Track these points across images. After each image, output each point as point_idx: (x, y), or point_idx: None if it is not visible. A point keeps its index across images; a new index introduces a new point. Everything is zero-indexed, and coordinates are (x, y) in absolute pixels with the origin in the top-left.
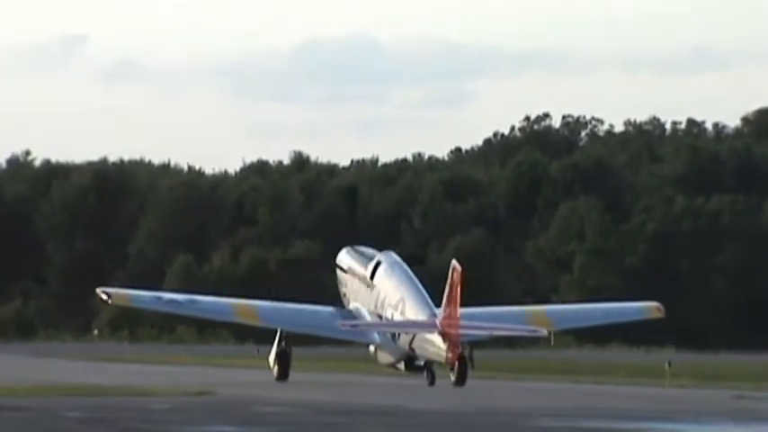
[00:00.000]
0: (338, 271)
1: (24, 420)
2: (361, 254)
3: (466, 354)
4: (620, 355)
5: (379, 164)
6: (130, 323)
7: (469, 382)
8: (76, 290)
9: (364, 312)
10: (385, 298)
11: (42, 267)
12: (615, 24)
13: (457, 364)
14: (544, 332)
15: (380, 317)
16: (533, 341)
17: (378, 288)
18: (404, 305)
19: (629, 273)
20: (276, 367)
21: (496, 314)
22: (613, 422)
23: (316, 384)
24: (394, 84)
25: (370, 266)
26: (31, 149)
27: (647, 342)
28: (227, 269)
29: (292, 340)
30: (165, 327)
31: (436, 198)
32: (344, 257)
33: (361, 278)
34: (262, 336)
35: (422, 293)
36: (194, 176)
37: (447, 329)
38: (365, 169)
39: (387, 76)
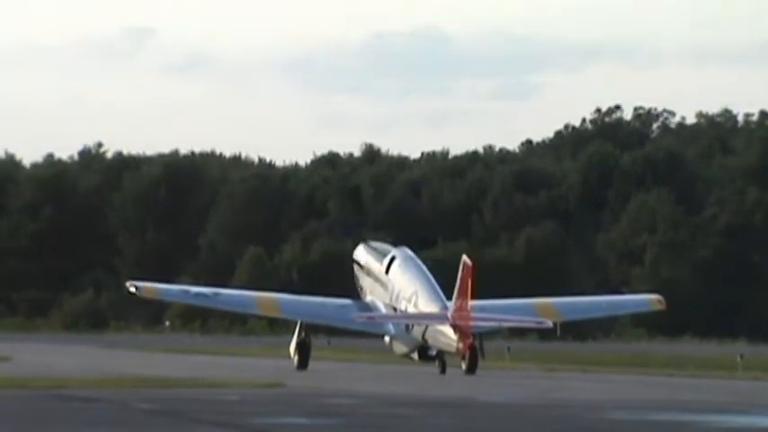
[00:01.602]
0: (355, 266)
1: (95, 411)
2: (377, 249)
3: (476, 344)
4: (691, 347)
5: (450, 156)
6: (202, 314)
7: (539, 375)
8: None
9: (380, 305)
10: (399, 291)
11: (114, 259)
12: (686, 16)
13: (468, 353)
14: (549, 323)
15: (395, 309)
16: (605, 332)
17: (392, 282)
18: (417, 298)
19: (700, 265)
20: (296, 357)
21: (506, 306)
22: (685, 415)
23: (387, 376)
24: (464, 76)
25: (385, 261)
26: (103, 142)
27: (718, 335)
28: (297, 261)
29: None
30: (236, 318)
31: (507, 190)
32: (361, 253)
33: (377, 273)
34: (332, 328)
35: (434, 287)
36: (265, 168)
37: (457, 321)
38: (435, 162)
39: (457, 68)
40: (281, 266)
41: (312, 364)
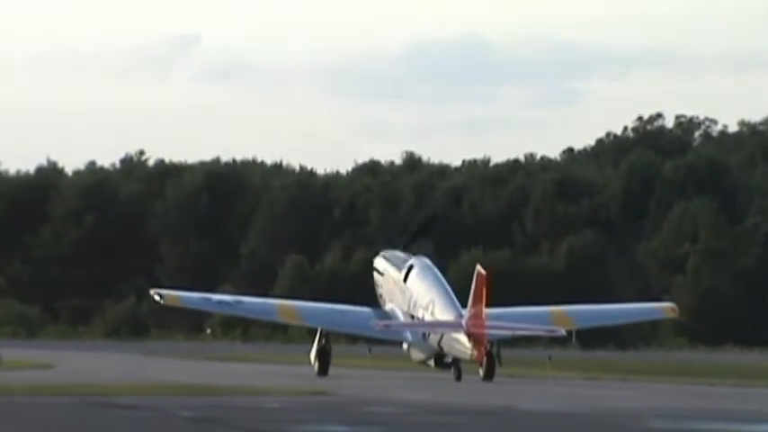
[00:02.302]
0: (375, 274)
1: (137, 419)
2: (396, 258)
3: (494, 351)
4: (732, 356)
5: (491, 164)
6: (243, 322)
7: (580, 383)
8: (189, 289)
9: (398, 313)
10: (417, 300)
11: (156, 267)
12: (729, 23)
13: (485, 360)
14: (562, 332)
15: (413, 317)
16: (646, 341)
17: (410, 290)
18: (433, 306)
19: (742, 274)
20: (317, 363)
21: (521, 314)
22: (727, 424)
23: (426, 384)
24: (505, 84)
25: (404, 270)
26: (145, 149)
27: (760, 344)
28: (338, 269)
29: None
30: (277, 327)
31: (548, 198)
32: (381, 262)
33: (396, 281)
34: (372, 337)
35: (450, 296)
36: (306, 176)
37: (472, 329)
38: (476, 170)
39: (498, 76)
40: (323, 274)
41: (353, 372)
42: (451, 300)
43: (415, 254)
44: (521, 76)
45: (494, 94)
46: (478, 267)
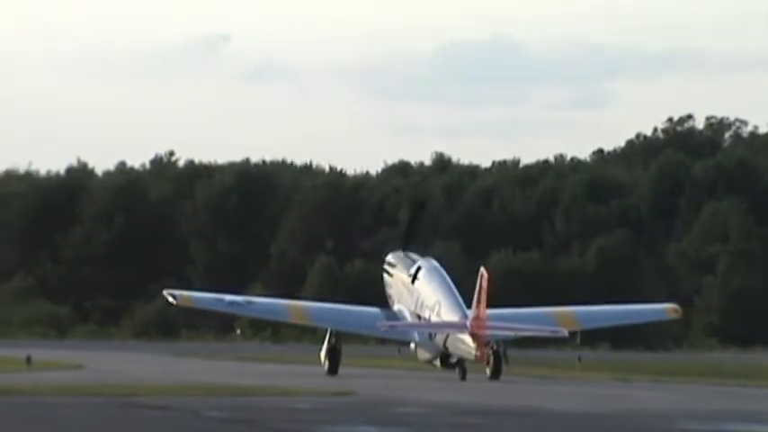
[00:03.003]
0: (385, 275)
1: (167, 419)
2: (405, 259)
3: (501, 351)
4: (763, 357)
5: (521, 165)
6: (273, 323)
7: (610, 385)
8: (220, 290)
9: (406, 313)
10: (423, 300)
11: (185, 267)
12: (760, 25)
13: (492, 360)
14: (565, 332)
15: (419, 317)
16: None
17: (417, 291)
18: (439, 307)
19: None
20: (327, 362)
21: (526, 315)
22: (757, 425)
23: (452, 385)
24: (535, 85)
25: (412, 271)
26: (175, 150)
27: None
28: (368, 270)
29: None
30: (307, 327)
31: (578, 199)
32: (390, 263)
33: (404, 282)
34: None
35: (456, 297)
36: (336, 177)
37: (476, 330)
38: (507, 171)
39: (528, 77)
40: (352, 275)
41: (381, 372)
42: (457, 301)
43: (423, 255)
44: (551, 77)
45: (524, 95)
46: (482, 269)
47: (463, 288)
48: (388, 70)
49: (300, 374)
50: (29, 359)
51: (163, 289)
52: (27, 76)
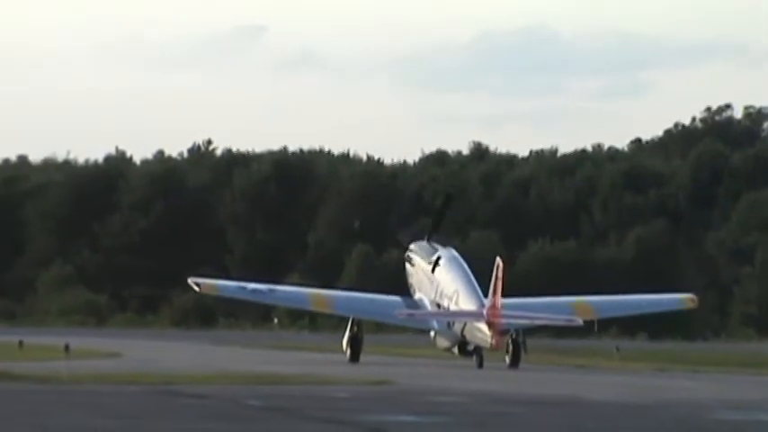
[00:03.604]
0: (407, 264)
1: (205, 408)
2: (425, 249)
3: (519, 340)
4: None
5: (559, 155)
6: (311, 312)
7: (648, 374)
8: (257, 279)
9: (426, 302)
10: (443, 289)
11: (223, 256)
12: None
13: (511, 348)
14: (580, 321)
15: (439, 306)
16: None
17: (437, 280)
18: (458, 296)
19: None
20: (349, 350)
21: (543, 304)
22: None
23: (489, 374)
24: (572, 74)
25: (432, 261)
26: (213, 139)
27: None
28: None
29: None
30: (344, 316)
31: (616, 189)
32: (411, 252)
33: (424, 271)
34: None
35: (474, 286)
36: (374, 166)
37: (491, 318)
38: (544, 160)
39: (565, 66)
40: (390, 264)
41: (417, 361)
42: (475, 290)
43: (443, 245)
44: (589, 66)
45: (562, 85)
46: (498, 259)
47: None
48: (425, 59)
49: (338, 363)
50: (67, 347)
51: (201, 277)
52: (65, 65)
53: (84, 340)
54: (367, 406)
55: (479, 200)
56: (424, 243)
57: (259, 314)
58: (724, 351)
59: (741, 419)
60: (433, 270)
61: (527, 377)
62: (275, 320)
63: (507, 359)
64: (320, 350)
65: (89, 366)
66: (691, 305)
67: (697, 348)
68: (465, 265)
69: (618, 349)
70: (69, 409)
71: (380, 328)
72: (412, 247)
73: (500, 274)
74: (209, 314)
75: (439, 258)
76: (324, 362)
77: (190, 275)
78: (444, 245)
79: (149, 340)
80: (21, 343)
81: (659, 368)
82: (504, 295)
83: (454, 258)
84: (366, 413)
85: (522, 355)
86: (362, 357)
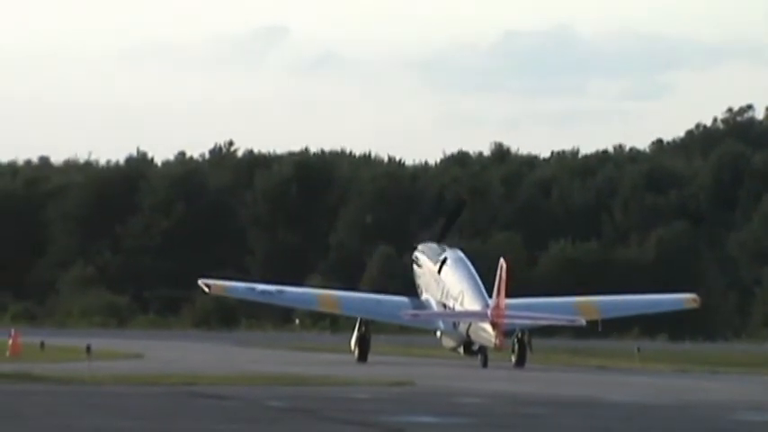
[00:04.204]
0: (414, 265)
1: (226, 409)
2: (434, 249)
3: (525, 340)
4: None
5: (580, 156)
6: (332, 313)
7: (669, 375)
8: (278, 280)
9: (432, 302)
10: (449, 290)
11: (244, 257)
12: None
13: (517, 348)
14: (582, 321)
15: (445, 306)
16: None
17: (443, 281)
18: (463, 297)
19: None
20: (357, 350)
21: (546, 304)
22: None
23: (510, 375)
24: (594, 76)
25: (438, 262)
26: (234, 140)
27: None
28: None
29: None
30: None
31: (637, 190)
32: (419, 254)
33: (431, 272)
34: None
35: (479, 287)
36: (395, 167)
37: (495, 319)
38: (565, 161)
39: (586, 68)
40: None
41: (438, 361)
42: (480, 291)
43: (450, 246)
44: (610, 67)
45: (583, 86)
46: (501, 260)
47: (520, 277)
48: (447, 61)
49: (359, 364)
50: (89, 349)
51: (222, 279)
52: (88, 67)
53: (105, 341)
54: (387, 407)
55: (501, 201)
56: (431, 244)
57: (280, 315)
58: (744, 352)
59: (761, 420)
60: (439, 271)
61: (547, 378)
62: (296, 321)
63: (513, 359)
64: (341, 351)
65: (111, 367)
66: (693, 305)
67: (717, 349)
68: (471, 266)
69: (639, 350)
70: (91, 410)
71: (383, 328)
72: (420, 248)
73: (503, 275)
74: (230, 315)
75: (445, 259)
76: (344, 363)
77: (211, 277)
78: (450, 246)
79: (171, 341)
80: (42, 344)
81: (680, 369)
82: (521, 295)
83: (460, 259)
84: (387, 414)
85: (528, 355)
86: (379, 358)
